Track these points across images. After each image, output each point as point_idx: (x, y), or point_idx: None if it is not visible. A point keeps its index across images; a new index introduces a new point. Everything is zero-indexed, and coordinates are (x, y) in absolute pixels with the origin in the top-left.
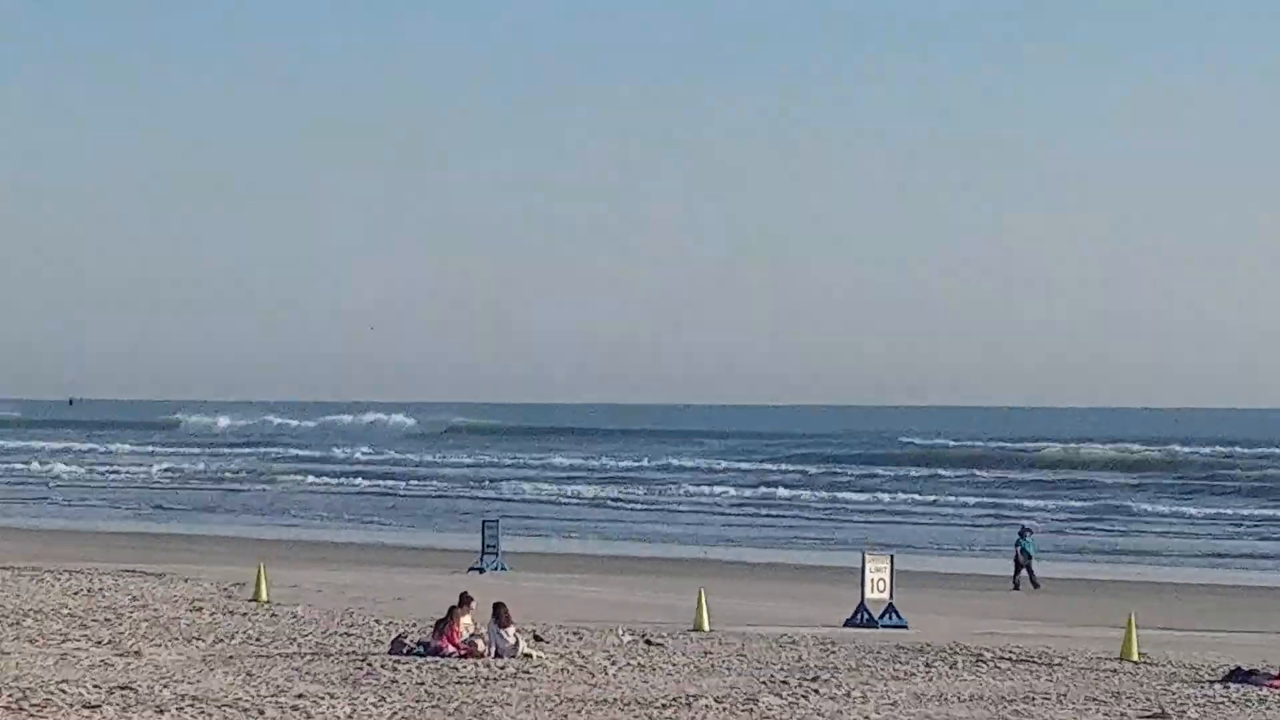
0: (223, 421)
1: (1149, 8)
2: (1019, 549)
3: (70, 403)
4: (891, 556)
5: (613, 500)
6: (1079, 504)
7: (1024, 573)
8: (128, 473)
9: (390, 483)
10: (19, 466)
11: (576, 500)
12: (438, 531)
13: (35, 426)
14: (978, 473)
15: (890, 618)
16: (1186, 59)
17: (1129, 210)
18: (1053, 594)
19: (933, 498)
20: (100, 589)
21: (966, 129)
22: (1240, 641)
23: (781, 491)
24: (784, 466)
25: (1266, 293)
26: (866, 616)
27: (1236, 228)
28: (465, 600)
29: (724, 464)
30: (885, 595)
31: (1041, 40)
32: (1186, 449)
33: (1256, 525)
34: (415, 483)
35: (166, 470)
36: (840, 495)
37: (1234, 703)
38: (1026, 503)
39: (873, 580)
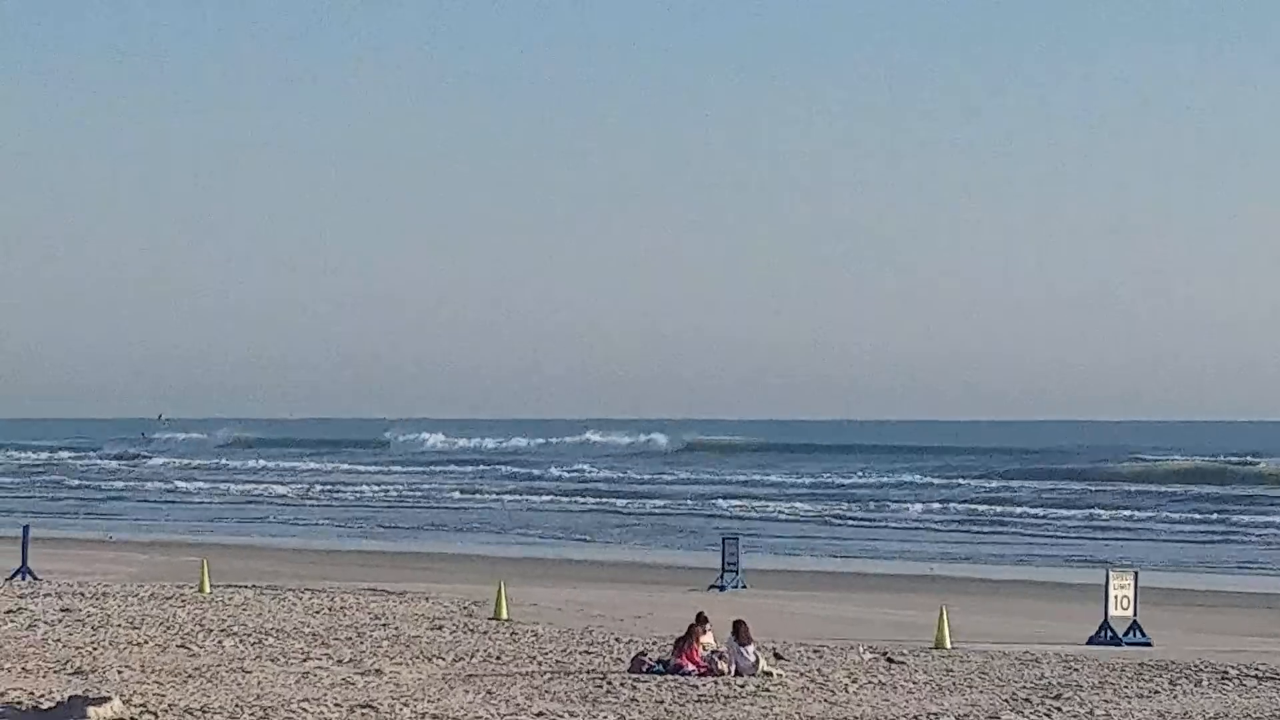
0: (433, 439)
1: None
2: None
3: (160, 419)
4: (1136, 573)
5: (837, 517)
6: None
7: None
8: (353, 491)
9: (613, 500)
10: (239, 487)
11: (798, 517)
12: (673, 550)
13: (250, 446)
14: (1193, 488)
15: (1134, 635)
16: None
17: None
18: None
19: (1149, 514)
20: (341, 607)
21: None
22: None
23: (1006, 508)
24: (995, 483)
25: None
26: (1110, 634)
27: None
28: (703, 619)
29: (938, 480)
30: (1129, 612)
31: None
32: None
33: None
34: (635, 501)
35: (382, 486)
36: (1062, 512)
37: None
38: (1249, 518)
39: (1116, 597)
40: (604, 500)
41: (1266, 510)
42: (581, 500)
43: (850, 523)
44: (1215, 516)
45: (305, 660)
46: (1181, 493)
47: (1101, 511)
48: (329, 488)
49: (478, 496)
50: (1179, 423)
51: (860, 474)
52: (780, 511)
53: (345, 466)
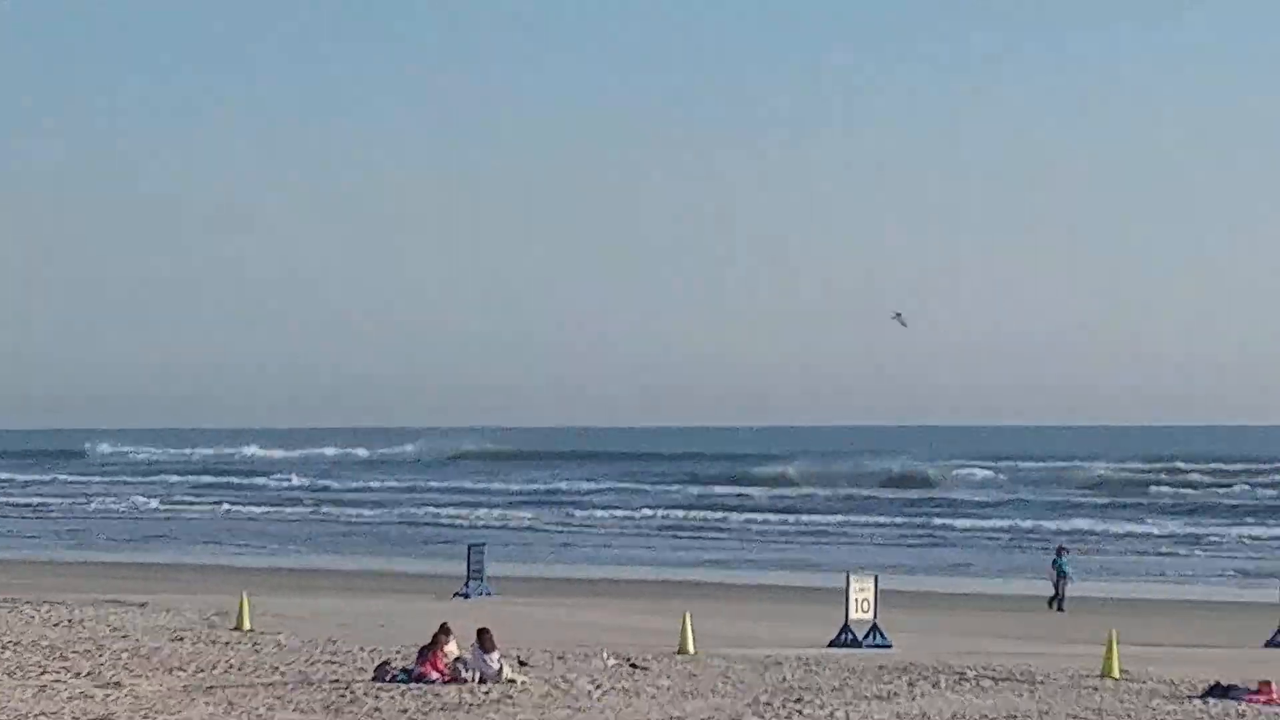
0: (146, 451)
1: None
2: (1055, 568)
3: None
4: (875, 577)
5: (547, 524)
6: (1051, 524)
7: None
8: (56, 503)
9: (320, 509)
10: None
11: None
12: (417, 558)
13: None
14: (903, 493)
15: (874, 638)
16: None
17: None
18: (1036, 612)
19: (864, 518)
20: (80, 620)
21: None
22: (1215, 656)
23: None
24: (697, 489)
25: None
26: (851, 637)
27: None
28: (446, 628)
29: (641, 486)
30: (869, 615)
31: None
32: (1187, 465)
33: (1245, 544)
34: (333, 508)
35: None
36: (805, 518)
37: (1213, 718)
38: (976, 523)
39: (857, 600)
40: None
41: (965, 514)
42: (282, 510)
43: (559, 529)
44: (919, 520)
45: (42, 674)
46: (891, 499)
47: (815, 516)
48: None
49: (161, 508)
50: (891, 428)
51: (584, 481)
52: (478, 519)
53: (36, 477)
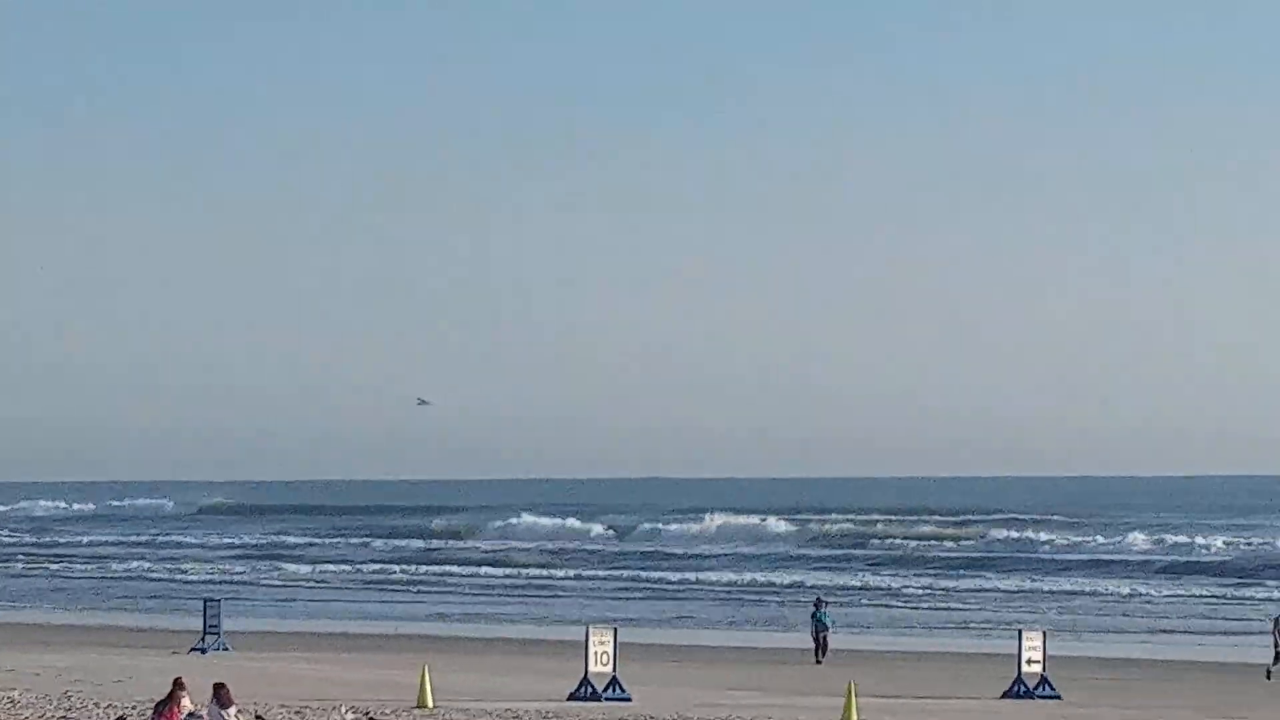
0: None
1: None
2: (815, 620)
3: None
4: (615, 629)
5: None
6: (766, 576)
7: (820, 643)
8: None
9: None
10: None
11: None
12: (153, 613)
13: None
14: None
15: (614, 690)
16: None
17: None
18: (781, 663)
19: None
20: None
21: None
22: (961, 708)
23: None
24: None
25: None
26: (590, 690)
27: None
28: (179, 684)
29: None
30: (609, 668)
31: None
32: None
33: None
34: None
35: None
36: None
37: None
38: (690, 575)
39: (596, 653)
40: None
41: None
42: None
43: (284, 583)
44: (630, 574)
45: None
46: (610, 551)
47: (536, 570)
48: None
49: None
50: (613, 480)
51: (310, 535)
52: (206, 572)
53: None
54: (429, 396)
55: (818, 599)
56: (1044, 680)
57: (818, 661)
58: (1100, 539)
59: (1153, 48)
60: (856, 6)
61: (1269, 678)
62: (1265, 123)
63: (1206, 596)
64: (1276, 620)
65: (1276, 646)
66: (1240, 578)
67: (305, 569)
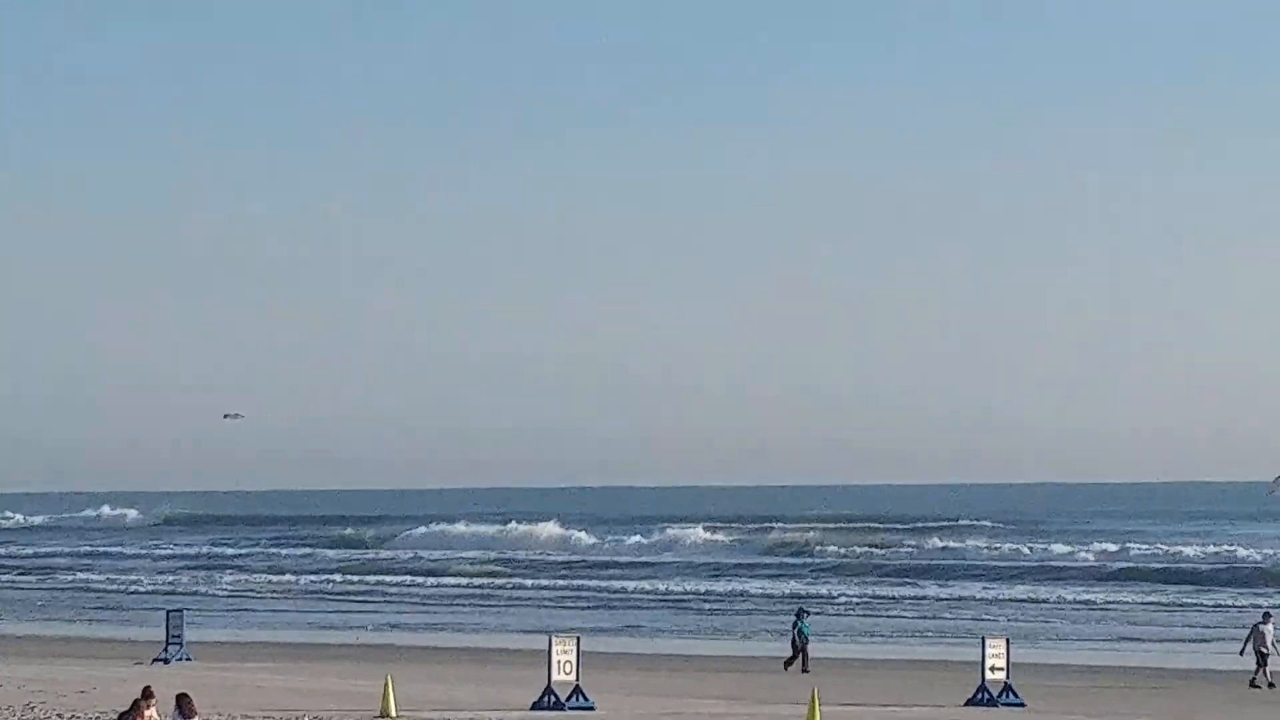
0: None
1: None
2: (796, 630)
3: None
4: (578, 638)
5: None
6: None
7: (802, 654)
8: None
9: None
10: None
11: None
12: (113, 624)
13: None
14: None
15: (577, 699)
16: None
17: None
18: (744, 672)
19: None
20: None
21: None
22: (925, 716)
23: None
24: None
25: None
26: (554, 699)
27: None
28: (148, 694)
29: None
30: (572, 677)
31: None
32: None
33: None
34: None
35: None
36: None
37: None
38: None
39: (559, 662)
40: None
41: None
42: None
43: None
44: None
45: None
46: (552, 561)
47: (480, 580)
48: None
49: None
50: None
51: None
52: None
53: None
54: (238, 409)
55: (799, 609)
56: (1008, 688)
57: (804, 670)
58: (1061, 547)
59: (1150, 49)
60: (856, 7)
61: (1254, 686)
62: (1264, 124)
63: (1170, 604)
64: (1254, 628)
65: (1258, 655)
66: (1203, 584)
67: (263, 578)
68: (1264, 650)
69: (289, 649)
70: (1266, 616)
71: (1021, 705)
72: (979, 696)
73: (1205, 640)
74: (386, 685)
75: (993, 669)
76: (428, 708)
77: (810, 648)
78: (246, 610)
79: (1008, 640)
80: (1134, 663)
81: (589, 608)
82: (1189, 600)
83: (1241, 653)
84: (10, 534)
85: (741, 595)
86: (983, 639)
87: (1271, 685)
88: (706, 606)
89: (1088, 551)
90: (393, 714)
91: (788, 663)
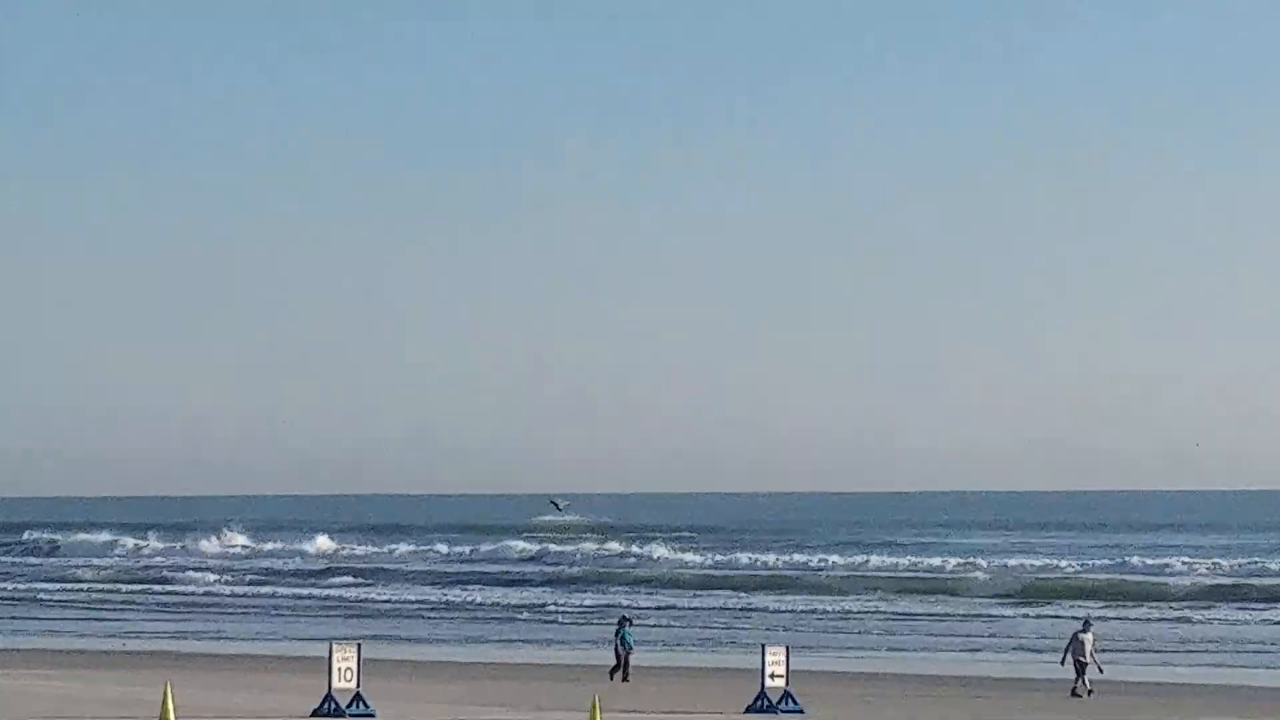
0: None
1: None
2: (619, 639)
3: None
4: (359, 645)
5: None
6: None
7: (624, 663)
8: None
9: None
10: None
11: None
12: None
13: None
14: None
15: (358, 706)
16: None
17: None
18: (526, 679)
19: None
20: None
21: None
22: None
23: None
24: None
25: None
26: (334, 706)
27: None
28: None
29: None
30: (353, 684)
31: None
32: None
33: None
34: None
35: None
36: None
37: None
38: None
39: (340, 669)
40: None
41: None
42: None
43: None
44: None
45: None
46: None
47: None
48: None
49: None
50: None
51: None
52: None
53: None
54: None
55: (622, 618)
56: (787, 695)
57: (624, 679)
58: (840, 558)
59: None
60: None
61: (1075, 695)
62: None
63: (949, 615)
64: (1074, 636)
65: (1076, 665)
66: (990, 596)
67: (40, 585)
68: (1082, 659)
69: (65, 656)
70: (1087, 625)
71: (800, 712)
72: (758, 703)
73: (978, 650)
74: (166, 692)
75: (772, 676)
76: (207, 714)
77: (593, 654)
78: (25, 618)
79: (787, 648)
80: (916, 670)
81: (366, 616)
82: (975, 611)
83: (1062, 662)
84: None
85: (537, 606)
86: (762, 646)
87: (1090, 693)
88: (504, 615)
89: (875, 560)
90: None
91: (611, 671)
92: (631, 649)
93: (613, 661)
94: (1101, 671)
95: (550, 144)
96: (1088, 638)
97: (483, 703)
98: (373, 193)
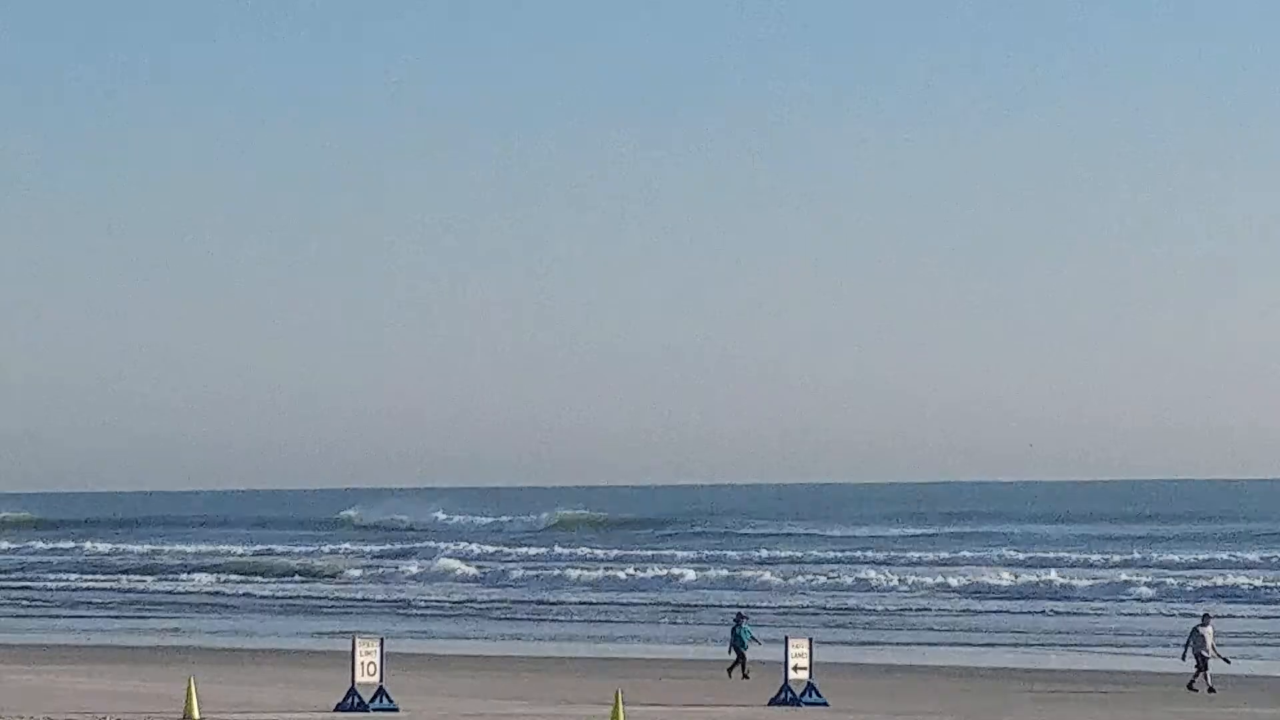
0: None
1: None
2: (735, 636)
3: None
4: (381, 639)
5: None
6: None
7: (741, 659)
8: None
9: None
10: None
11: None
12: None
13: None
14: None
15: (381, 701)
16: None
17: None
18: (546, 673)
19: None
20: None
21: None
22: (723, 716)
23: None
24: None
25: None
26: (357, 700)
27: None
28: None
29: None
30: (375, 679)
31: None
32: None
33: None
34: None
35: None
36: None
37: None
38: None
39: (363, 664)
40: None
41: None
42: None
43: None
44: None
45: None
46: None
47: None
48: None
49: None
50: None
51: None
52: None
53: None
54: None
55: (738, 614)
56: (810, 687)
57: (744, 676)
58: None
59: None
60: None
61: (1192, 689)
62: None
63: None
64: (1194, 630)
65: (1198, 659)
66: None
67: (69, 578)
68: (1204, 654)
69: (90, 651)
70: (1206, 619)
71: (824, 704)
72: (782, 696)
73: (994, 645)
74: (189, 687)
75: (795, 668)
76: (231, 709)
77: (611, 648)
78: (53, 616)
79: (810, 640)
80: (935, 662)
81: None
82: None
83: (1183, 658)
84: None
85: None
86: (785, 638)
87: (1212, 690)
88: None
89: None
90: (195, 716)
91: (730, 669)
92: (747, 645)
93: (732, 658)
94: (1228, 662)
95: None
96: (1208, 631)
97: (503, 696)
98: None
